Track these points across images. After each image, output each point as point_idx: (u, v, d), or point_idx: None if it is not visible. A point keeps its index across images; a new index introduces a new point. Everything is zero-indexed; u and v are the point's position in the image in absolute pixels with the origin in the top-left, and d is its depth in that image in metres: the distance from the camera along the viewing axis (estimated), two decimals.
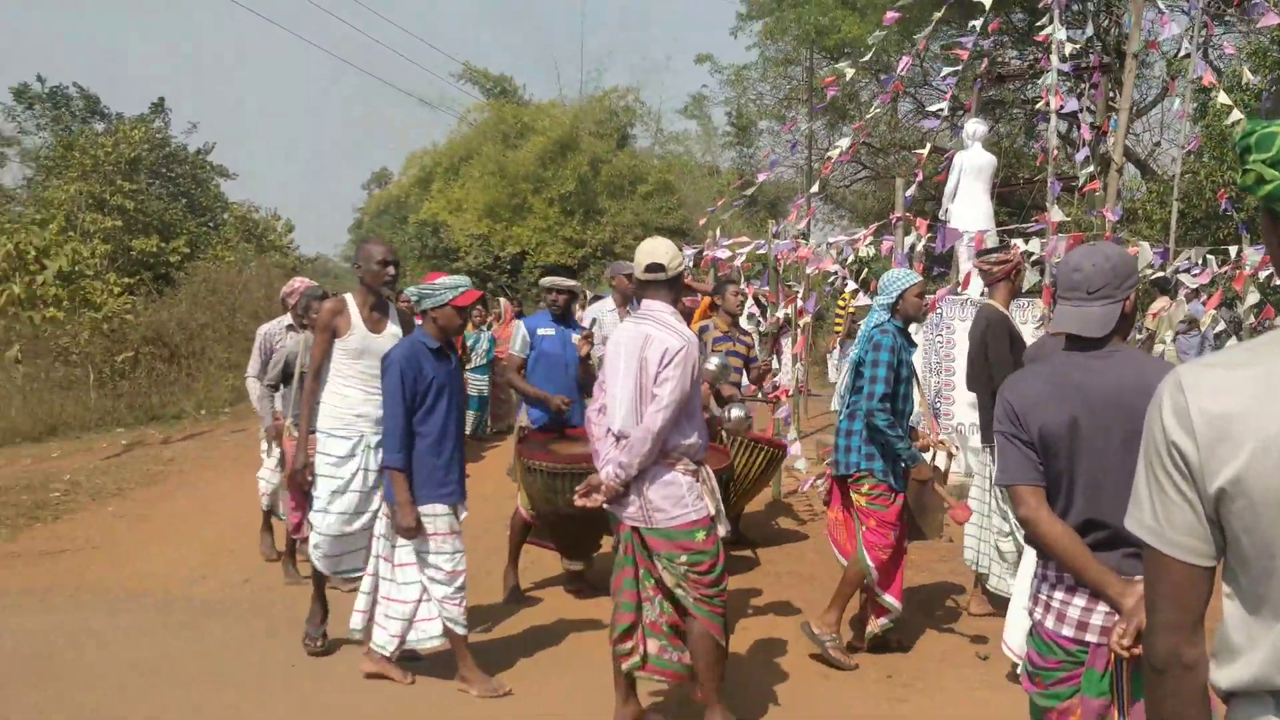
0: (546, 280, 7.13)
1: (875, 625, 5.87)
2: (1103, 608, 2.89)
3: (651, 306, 4.50)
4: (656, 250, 4.51)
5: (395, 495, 5.00)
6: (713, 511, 4.51)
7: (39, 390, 15.12)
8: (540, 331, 6.77)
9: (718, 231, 12.54)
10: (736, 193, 14.51)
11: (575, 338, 6.74)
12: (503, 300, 14.64)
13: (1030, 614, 3.12)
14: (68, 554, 8.23)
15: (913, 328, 6.03)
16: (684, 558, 4.41)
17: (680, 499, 4.39)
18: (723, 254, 11.42)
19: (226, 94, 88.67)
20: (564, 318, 6.87)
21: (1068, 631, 2.96)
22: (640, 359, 4.37)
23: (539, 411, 6.70)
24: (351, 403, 5.53)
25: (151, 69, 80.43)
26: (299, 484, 5.75)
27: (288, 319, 7.75)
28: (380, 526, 5.29)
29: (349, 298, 5.63)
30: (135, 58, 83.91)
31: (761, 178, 13.35)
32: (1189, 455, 1.65)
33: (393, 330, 5.60)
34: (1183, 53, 10.82)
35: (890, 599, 5.75)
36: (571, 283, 7.12)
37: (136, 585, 7.44)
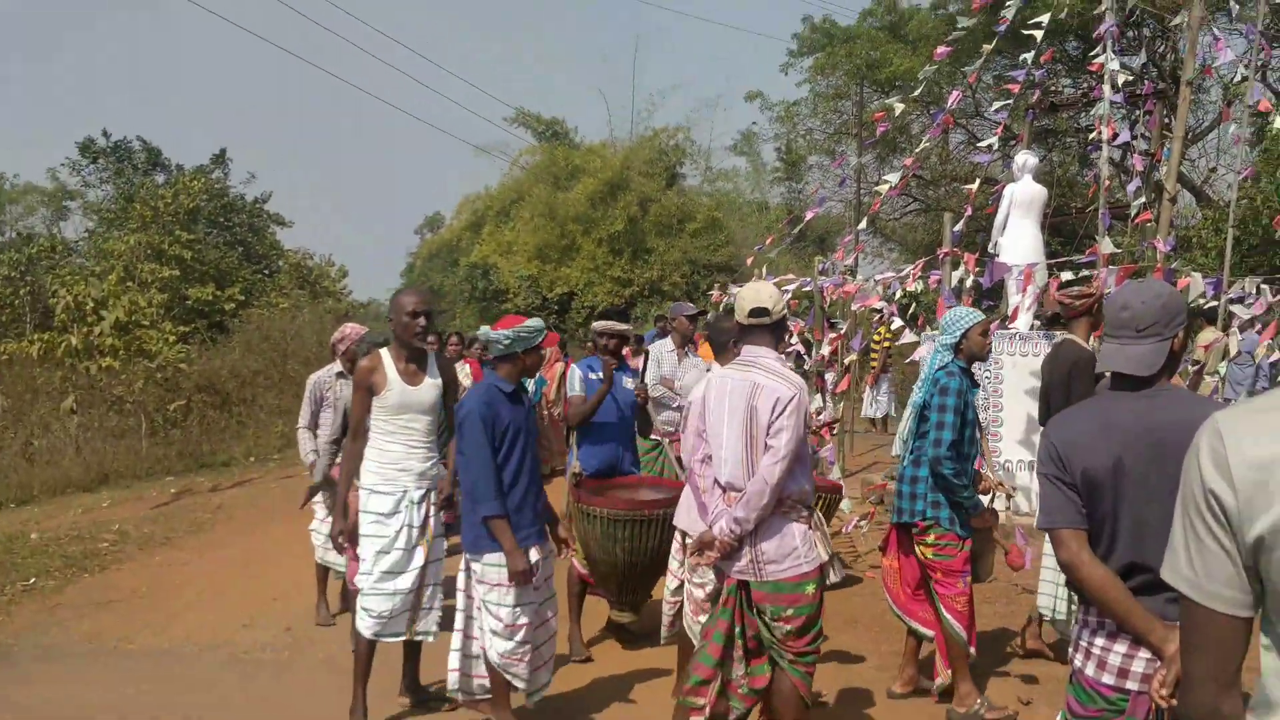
0: (599, 325, 6.93)
1: (946, 675, 5.62)
2: (1144, 654, 2.80)
3: (755, 352, 4.39)
4: (760, 294, 4.42)
5: (501, 544, 4.85)
6: (825, 558, 4.40)
7: (92, 439, 15.30)
8: (592, 376, 6.64)
9: (764, 269, 12.41)
10: (785, 230, 14.39)
11: (628, 382, 6.66)
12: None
13: (1070, 661, 3.04)
14: (114, 604, 8.23)
15: (976, 366, 5.84)
16: (789, 612, 4.26)
17: (794, 550, 4.27)
18: None
19: (284, 143, 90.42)
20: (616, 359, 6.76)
21: (1108, 679, 2.87)
22: (749, 408, 4.26)
23: (592, 458, 6.55)
24: (394, 457, 5.36)
25: (213, 120, 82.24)
26: (337, 546, 5.60)
27: (338, 366, 7.47)
28: (462, 580, 5.13)
29: (384, 353, 5.42)
30: (197, 110, 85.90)
31: (810, 215, 13.23)
32: (1227, 504, 1.60)
33: (431, 381, 5.43)
34: (1239, 77, 10.56)
35: (966, 642, 5.52)
36: (624, 326, 6.96)
37: (180, 635, 7.40)
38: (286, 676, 6.58)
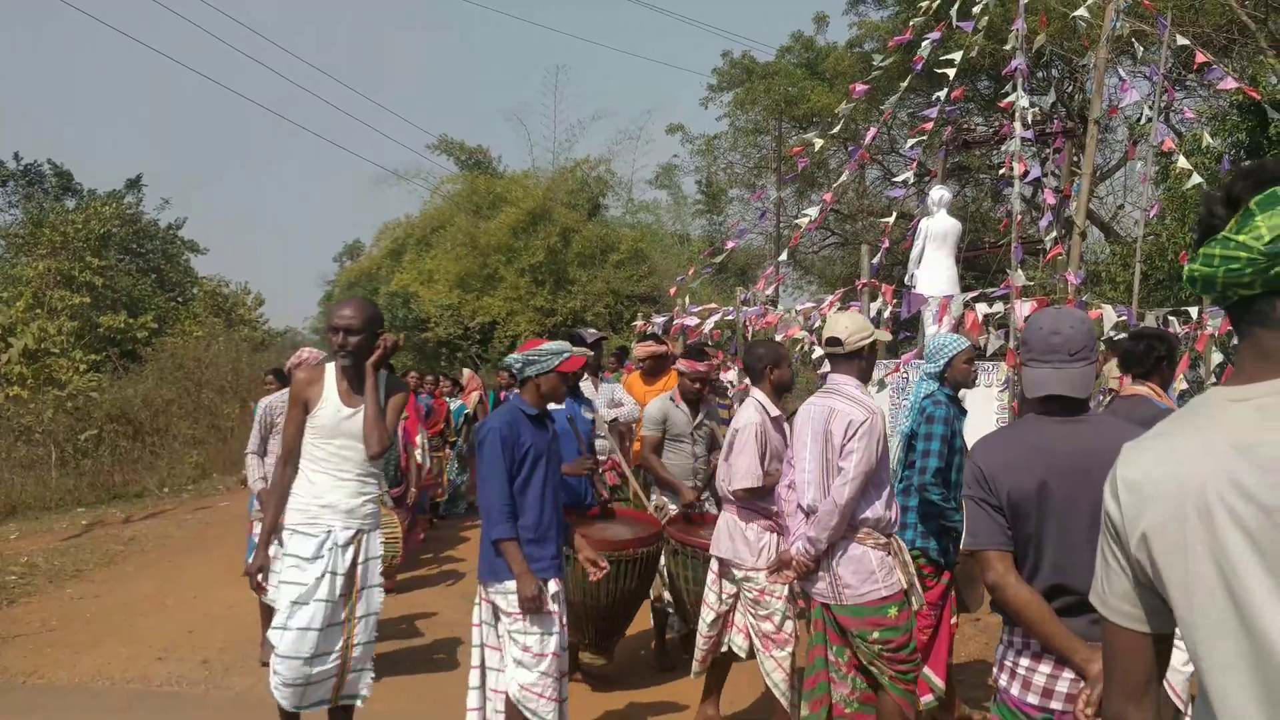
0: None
1: (919, 703, 5.64)
2: (1068, 674, 2.85)
3: (837, 380, 4.54)
4: (835, 325, 4.53)
5: (511, 567, 4.55)
6: (905, 585, 4.43)
7: None
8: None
9: (687, 299, 12.52)
10: (706, 261, 14.55)
11: (588, 413, 6.53)
12: (466, 370, 14.49)
13: (995, 681, 3.08)
14: (22, 638, 7.98)
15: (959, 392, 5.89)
16: (876, 634, 4.33)
17: (870, 574, 4.36)
18: (691, 321, 11.40)
19: (200, 169, 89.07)
20: (574, 391, 6.51)
21: (1033, 699, 2.92)
22: (825, 433, 4.40)
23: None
24: (318, 490, 4.70)
25: (126, 146, 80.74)
26: (252, 587, 4.99)
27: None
28: (482, 613, 4.76)
29: (330, 366, 4.81)
30: (109, 135, 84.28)
31: (730, 245, 13.40)
32: (1115, 521, 1.68)
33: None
34: (1144, 118, 10.94)
35: (934, 677, 5.46)
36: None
37: (92, 668, 7.20)
38: (202, 711, 6.44)
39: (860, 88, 11.40)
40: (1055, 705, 2.87)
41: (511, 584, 4.56)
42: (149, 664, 7.26)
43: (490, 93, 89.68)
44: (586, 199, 29.80)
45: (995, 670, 3.07)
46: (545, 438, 4.80)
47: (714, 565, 5.42)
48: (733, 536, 5.25)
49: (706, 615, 5.44)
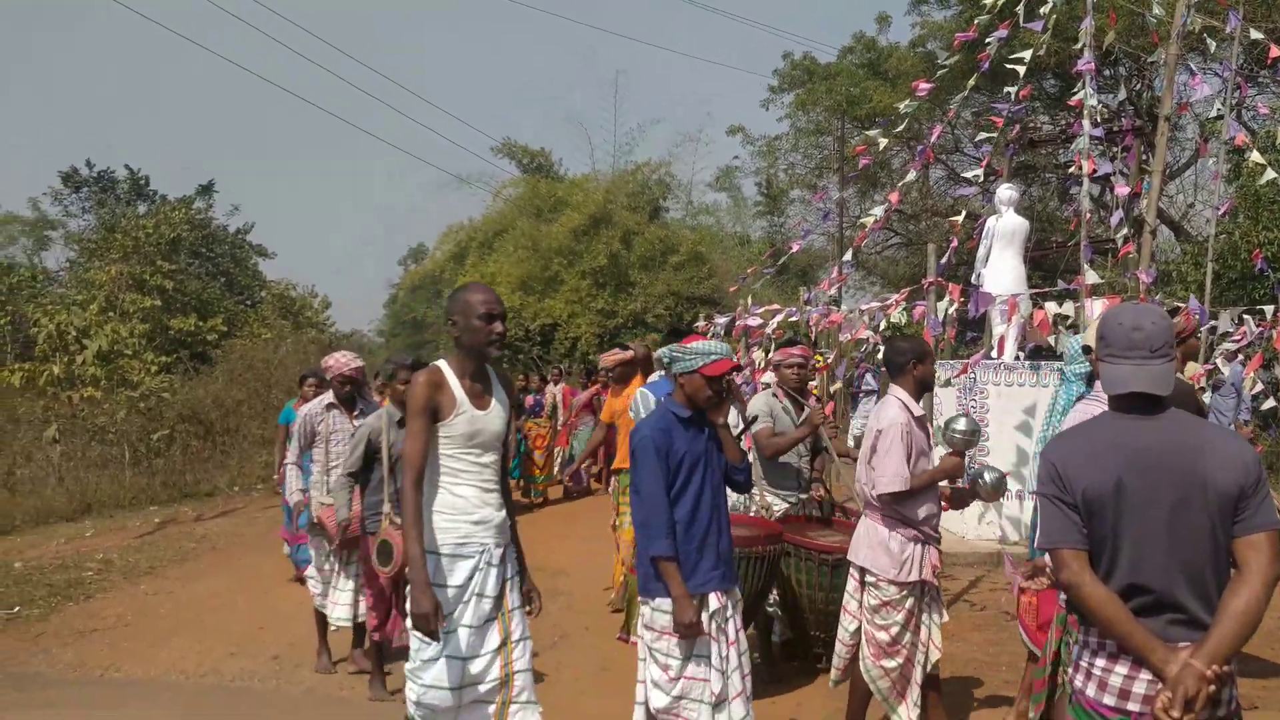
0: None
1: None
2: (1145, 675, 2.78)
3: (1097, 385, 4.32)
4: (1087, 333, 4.38)
5: (669, 587, 4.26)
6: None
7: (74, 469, 15.24)
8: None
9: (749, 300, 12.48)
10: (768, 262, 14.50)
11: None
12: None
13: (1070, 682, 3.01)
14: (98, 632, 8.17)
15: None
16: None
17: None
18: (754, 322, 11.37)
19: (269, 175, 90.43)
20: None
21: (1109, 700, 2.85)
22: None
23: None
24: (466, 505, 4.10)
25: (198, 152, 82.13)
26: (427, 631, 3.99)
27: (328, 397, 7.03)
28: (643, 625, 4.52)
29: (445, 366, 4.17)
30: (183, 142, 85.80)
31: (794, 248, 13.33)
32: None
33: (498, 404, 4.22)
34: (1215, 114, 10.73)
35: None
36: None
37: (166, 663, 7.35)
38: (273, 706, 6.54)
39: (924, 85, 11.30)
40: (1132, 706, 2.80)
41: (666, 602, 4.30)
42: (221, 659, 7.40)
43: (552, 97, 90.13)
44: (647, 202, 29.86)
45: (1070, 671, 3.01)
46: (701, 442, 4.47)
47: (854, 572, 5.20)
48: (872, 544, 5.02)
49: (848, 623, 5.24)
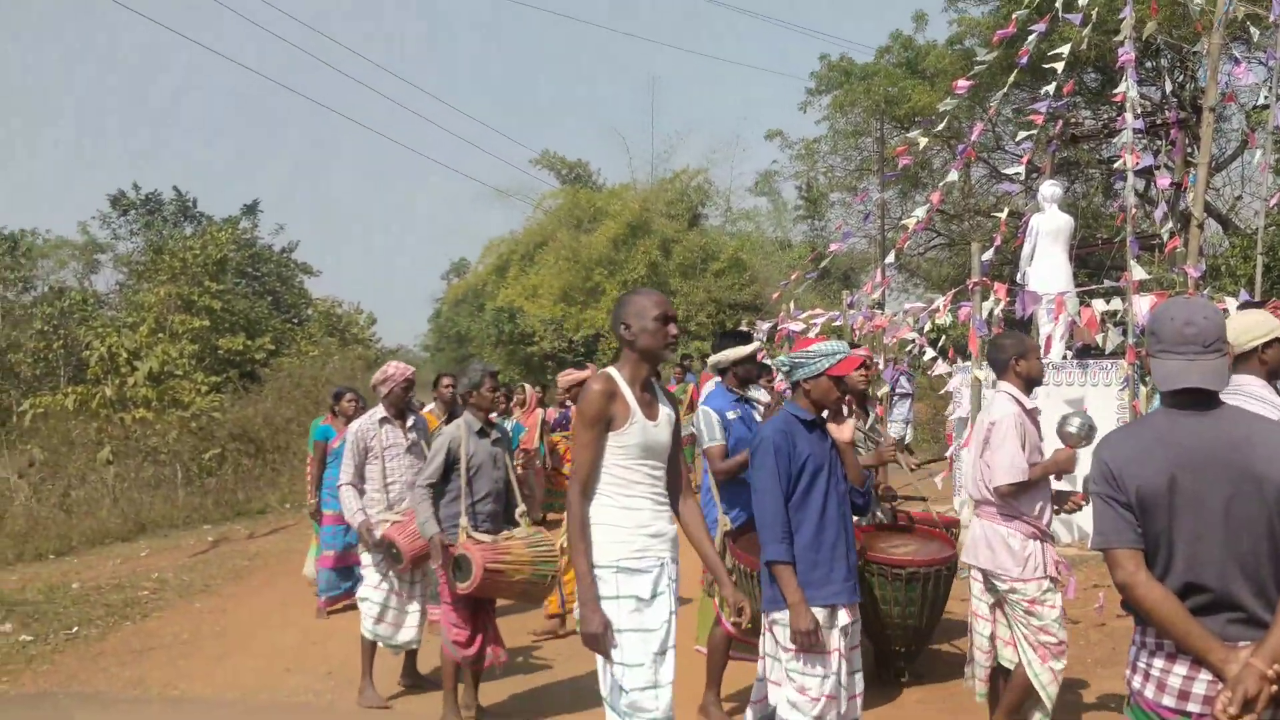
0: (732, 352, 5.98)
1: None
2: (1205, 676, 2.75)
3: (1238, 380, 3.99)
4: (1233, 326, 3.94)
5: (785, 594, 4.14)
6: None
7: (128, 490, 15.46)
8: (730, 415, 5.76)
9: (791, 305, 12.45)
10: (810, 266, 14.45)
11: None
12: (527, 386, 13.88)
13: (1128, 683, 2.98)
14: (156, 651, 8.27)
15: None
16: None
17: None
18: (797, 327, 11.34)
19: (313, 192, 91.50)
20: (745, 395, 5.98)
21: (1169, 701, 2.82)
22: None
23: (739, 510, 5.64)
24: (641, 519, 3.93)
25: (241, 171, 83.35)
26: (603, 651, 3.82)
27: (380, 411, 6.81)
28: (765, 644, 4.41)
29: (616, 373, 3.98)
30: (228, 162, 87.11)
31: (834, 249, 13.29)
32: None
33: (666, 414, 4.06)
34: (1261, 103, 10.57)
35: None
36: (749, 349, 6.05)
37: (224, 680, 7.44)
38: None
39: (963, 83, 11.22)
40: (1192, 708, 2.77)
41: (786, 614, 4.17)
42: (278, 675, 7.48)
43: (589, 106, 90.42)
44: (686, 209, 29.90)
45: (1128, 672, 2.98)
46: (825, 447, 4.38)
47: (977, 575, 5.13)
48: (992, 545, 4.93)
49: (982, 629, 5.17)
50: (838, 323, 11.07)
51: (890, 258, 13.74)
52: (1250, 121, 16.19)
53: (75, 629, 8.85)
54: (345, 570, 8.98)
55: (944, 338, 14.57)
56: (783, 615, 4.20)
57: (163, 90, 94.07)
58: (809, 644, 4.11)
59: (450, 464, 5.95)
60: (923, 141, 11.93)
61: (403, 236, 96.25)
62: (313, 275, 34.35)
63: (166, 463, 16.61)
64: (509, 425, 11.42)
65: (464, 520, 5.84)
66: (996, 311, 9.24)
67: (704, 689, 5.84)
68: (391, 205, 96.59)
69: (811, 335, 11.29)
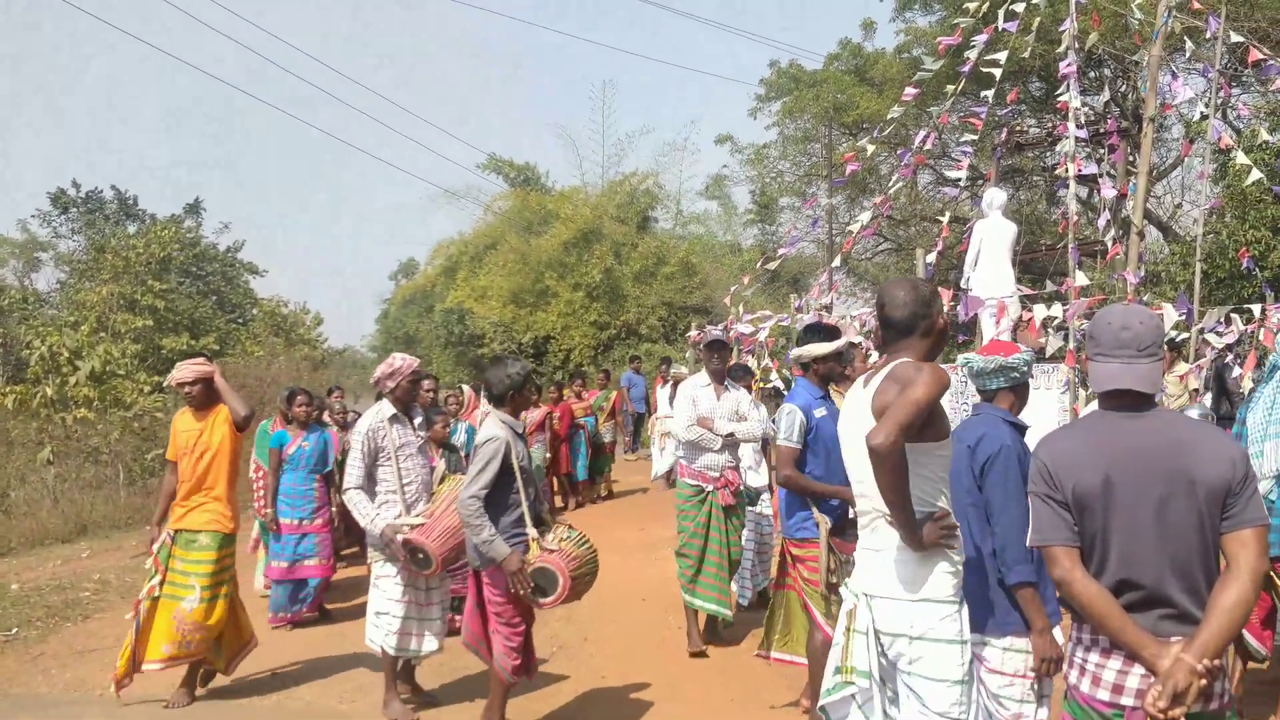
0: (815, 348, 5.69)
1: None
2: (1138, 670, 2.84)
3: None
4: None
5: (1031, 620, 3.82)
6: None
7: (69, 490, 15.24)
8: (817, 413, 5.48)
9: (740, 308, 12.53)
10: (760, 270, 14.55)
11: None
12: (465, 388, 13.67)
13: (1065, 678, 3.07)
14: (97, 652, 8.16)
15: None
16: None
17: None
18: (746, 329, 11.42)
19: (257, 192, 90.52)
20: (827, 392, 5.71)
21: (1103, 695, 2.91)
22: None
23: (832, 504, 5.41)
24: None
25: (185, 170, 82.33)
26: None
27: (388, 409, 6.36)
28: (979, 673, 4.00)
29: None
30: (171, 160, 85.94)
31: (784, 253, 13.39)
32: None
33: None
34: (1200, 115, 10.82)
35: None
36: (834, 345, 5.73)
37: (166, 682, 7.31)
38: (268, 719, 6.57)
39: (911, 91, 11.38)
40: (1125, 701, 2.85)
41: (1021, 641, 3.85)
42: (221, 676, 7.39)
43: (539, 110, 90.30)
44: (636, 212, 29.92)
45: (1065, 666, 3.07)
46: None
47: None
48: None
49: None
50: (786, 324, 11.16)
51: (837, 261, 13.88)
52: (1189, 132, 16.52)
53: (14, 630, 8.71)
54: (298, 584, 8.82)
55: None
56: (1012, 642, 3.88)
57: (105, 87, 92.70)
58: (1055, 671, 3.74)
59: (502, 472, 5.39)
60: (870, 149, 12.07)
61: (350, 237, 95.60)
62: (258, 275, 34.00)
63: (108, 463, 16.38)
64: (463, 427, 11.37)
65: (531, 530, 5.45)
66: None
67: (808, 697, 5.64)
68: (339, 205, 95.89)
69: (761, 338, 11.39)
